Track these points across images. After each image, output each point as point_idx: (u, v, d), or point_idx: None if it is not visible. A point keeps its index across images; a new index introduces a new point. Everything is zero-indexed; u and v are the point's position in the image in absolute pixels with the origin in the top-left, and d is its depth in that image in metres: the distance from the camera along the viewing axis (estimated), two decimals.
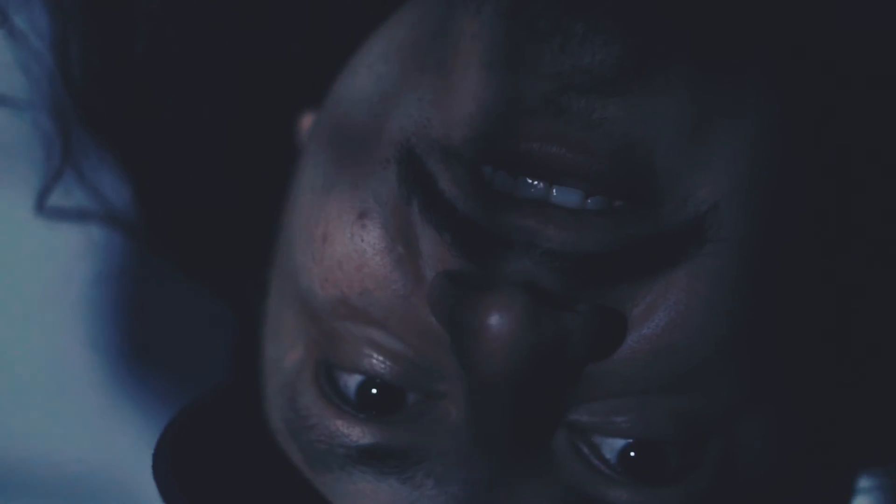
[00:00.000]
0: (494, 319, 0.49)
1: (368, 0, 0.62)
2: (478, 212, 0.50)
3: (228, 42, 0.64)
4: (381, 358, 0.53)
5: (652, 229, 0.51)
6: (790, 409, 0.56)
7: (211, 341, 0.75)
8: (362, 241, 0.52)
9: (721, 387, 0.53)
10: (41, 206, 0.71)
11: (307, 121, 0.64)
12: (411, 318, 0.52)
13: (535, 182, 0.50)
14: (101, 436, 1.04)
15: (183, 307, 0.84)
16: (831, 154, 0.55)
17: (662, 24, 0.51)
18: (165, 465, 0.56)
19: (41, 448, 1.08)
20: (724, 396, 0.53)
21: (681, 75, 0.50)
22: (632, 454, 0.52)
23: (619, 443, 0.52)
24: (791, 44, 0.54)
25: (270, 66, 0.64)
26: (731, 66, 0.52)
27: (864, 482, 0.65)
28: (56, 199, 0.76)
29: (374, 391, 0.54)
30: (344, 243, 0.53)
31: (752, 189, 0.52)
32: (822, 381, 0.57)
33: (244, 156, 0.66)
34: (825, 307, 0.56)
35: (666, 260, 0.51)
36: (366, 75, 0.55)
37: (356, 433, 0.54)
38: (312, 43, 0.64)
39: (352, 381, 0.54)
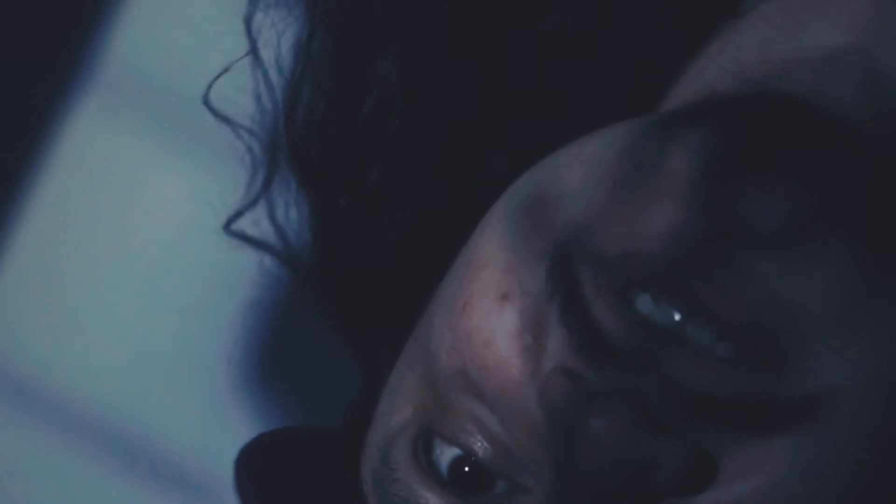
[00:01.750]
0: (595, 422, 0.51)
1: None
2: (612, 324, 0.52)
3: (450, 124, 0.66)
4: (480, 437, 0.55)
5: (769, 391, 0.52)
6: None
7: (334, 384, 0.79)
8: (497, 320, 0.54)
9: None
10: (227, 226, 0.75)
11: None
12: (519, 405, 0.54)
13: (675, 313, 0.52)
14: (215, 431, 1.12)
15: (317, 345, 0.88)
16: None
17: (838, 195, 0.52)
18: (248, 471, 0.61)
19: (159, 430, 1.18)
20: None
21: (844, 250, 0.52)
22: None
23: None
24: None
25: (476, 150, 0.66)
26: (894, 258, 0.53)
27: None
28: (243, 223, 0.82)
29: (465, 468, 0.56)
30: (480, 317, 0.55)
31: (880, 386, 0.52)
32: None
33: (429, 230, 0.67)
34: None
35: (774, 425, 0.52)
36: (557, 175, 0.57)
37: (436, 502, 0.56)
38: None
39: (447, 454, 0.56)
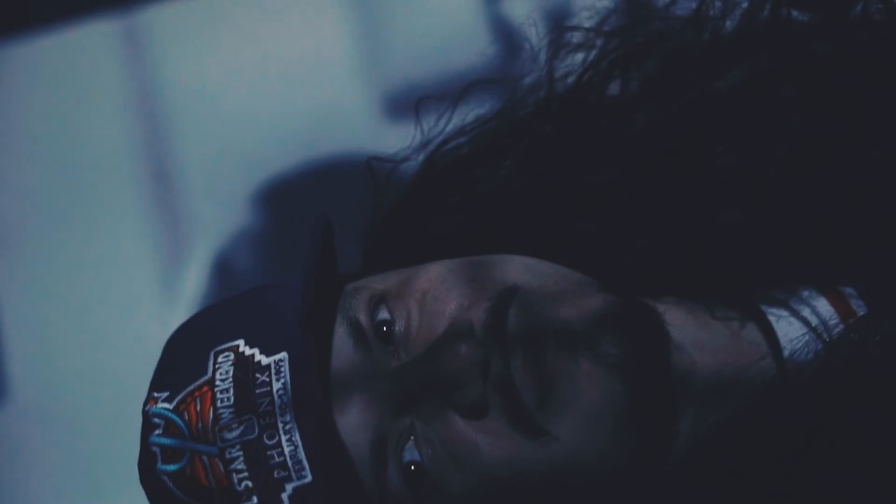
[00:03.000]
0: (463, 347, 0.86)
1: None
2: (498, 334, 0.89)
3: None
4: (403, 321, 0.90)
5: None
6: None
7: None
8: (459, 290, 0.91)
9: None
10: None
11: None
12: (437, 319, 0.91)
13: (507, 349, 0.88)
14: None
15: None
16: None
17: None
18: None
19: None
20: None
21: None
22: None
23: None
24: None
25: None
26: None
27: None
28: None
29: (384, 328, 0.89)
30: (453, 286, 0.91)
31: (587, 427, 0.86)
32: None
33: (495, 230, 1.04)
34: None
35: (520, 424, 0.85)
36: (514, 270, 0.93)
37: (364, 321, 0.90)
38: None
39: (383, 314, 0.90)
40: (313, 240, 0.89)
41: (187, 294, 1.59)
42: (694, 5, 0.98)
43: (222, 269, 1.63)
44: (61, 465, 1.62)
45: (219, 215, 1.59)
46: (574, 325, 0.85)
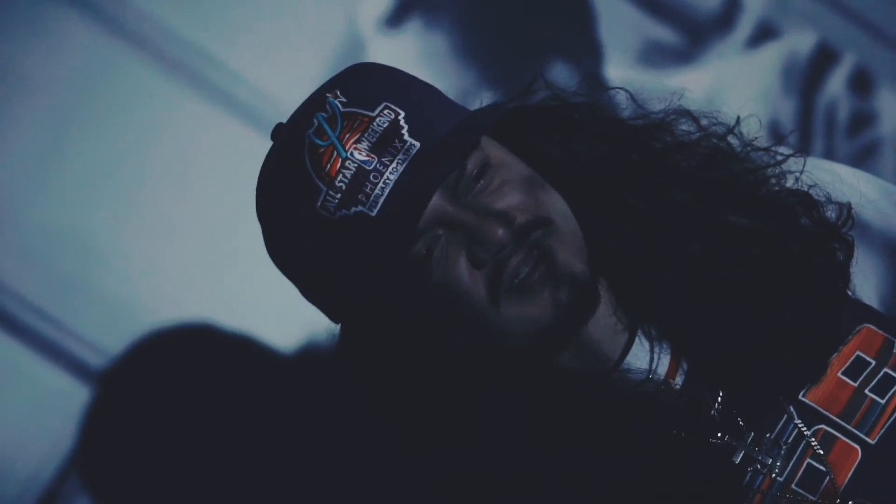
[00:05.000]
0: (495, 229, 1.26)
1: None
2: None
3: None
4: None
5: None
6: None
7: None
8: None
9: None
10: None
11: None
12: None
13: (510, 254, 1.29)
14: None
15: None
16: None
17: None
18: None
19: None
20: None
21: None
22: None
23: None
24: None
25: None
26: None
27: None
28: None
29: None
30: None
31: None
32: None
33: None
34: None
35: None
36: None
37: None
38: None
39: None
40: (500, 108, 1.33)
41: None
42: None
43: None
44: None
45: None
46: (558, 267, 1.28)
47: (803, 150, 2.03)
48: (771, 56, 2.16)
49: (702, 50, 2.15)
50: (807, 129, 2.16)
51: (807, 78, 2.16)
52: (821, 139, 2.17)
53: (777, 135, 2.05)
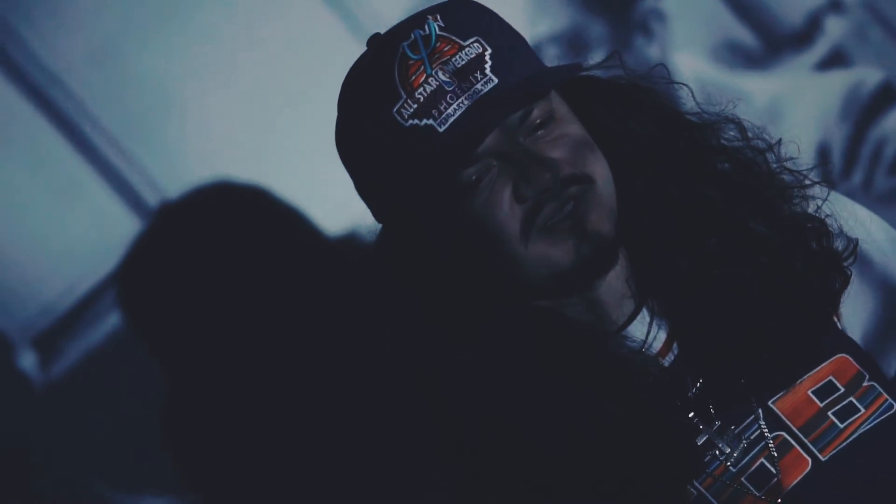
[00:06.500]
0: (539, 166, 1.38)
1: None
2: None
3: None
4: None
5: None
6: None
7: None
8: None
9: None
10: None
11: None
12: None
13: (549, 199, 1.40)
14: None
15: None
16: None
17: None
18: None
19: None
20: None
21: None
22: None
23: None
24: None
25: None
26: None
27: None
28: None
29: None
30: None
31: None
32: None
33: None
34: None
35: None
36: None
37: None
38: None
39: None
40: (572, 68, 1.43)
41: None
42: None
43: None
44: None
45: None
46: (589, 222, 1.38)
47: (845, 174, 2.14)
48: (837, 82, 2.21)
49: (775, 60, 2.20)
50: (853, 156, 2.20)
51: (865, 110, 2.21)
52: (863, 169, 2.21)
53: (822, 157, 2.13)
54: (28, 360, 1.95)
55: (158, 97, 1.98)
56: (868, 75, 2.22)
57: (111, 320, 1.96)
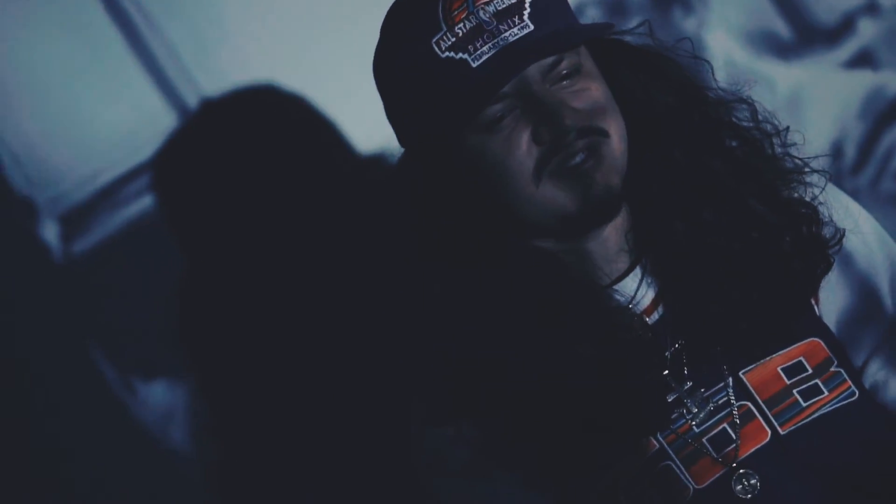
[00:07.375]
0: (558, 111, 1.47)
1: None
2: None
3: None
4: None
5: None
6: None
7: None
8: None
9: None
10: None
11: None
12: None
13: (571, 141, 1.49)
14: None
15: None
16: None
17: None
18: None
19: None
20: None
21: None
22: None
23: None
24: None
25: None
26: None
27: None
28: None
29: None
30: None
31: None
32: None
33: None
34: None
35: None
36: None
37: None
38: None
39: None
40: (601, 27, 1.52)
41: None
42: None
43: None
44: None
45: None
46: (599, 172, 1.45)
47: (854, 172, 2.18)
48: (861, 82, 2.24)
49: (804, 52, 2.22)
50: (865, 156, 2.24)
51: (884, 114, 2.24)
52: (871, 169, 2.24)
53: (835, 150, 2.18)
54: (51, 232, 1.98)
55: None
56: (893, 80, 2.24)
57: (136, 208, 1.99)
